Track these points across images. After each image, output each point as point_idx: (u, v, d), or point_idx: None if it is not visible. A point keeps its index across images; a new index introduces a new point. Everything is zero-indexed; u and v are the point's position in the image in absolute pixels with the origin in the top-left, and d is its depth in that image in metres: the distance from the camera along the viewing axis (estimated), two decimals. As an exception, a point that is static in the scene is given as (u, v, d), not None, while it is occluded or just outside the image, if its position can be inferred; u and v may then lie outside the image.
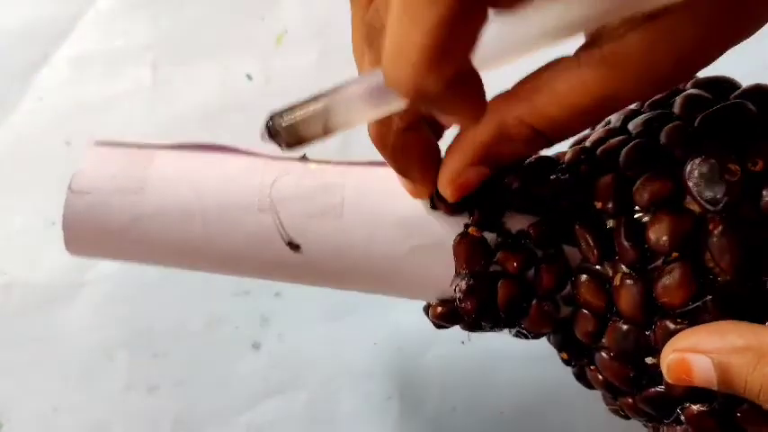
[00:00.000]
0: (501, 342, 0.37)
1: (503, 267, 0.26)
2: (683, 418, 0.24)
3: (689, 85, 0.27)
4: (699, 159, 0.23)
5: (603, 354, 0.25)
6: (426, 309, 0.28)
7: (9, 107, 0.39)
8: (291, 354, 0.37)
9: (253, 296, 0.38)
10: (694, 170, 0.23)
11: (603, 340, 0.25)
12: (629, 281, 0.24)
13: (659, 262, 0.24)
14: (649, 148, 0.25)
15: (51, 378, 0.37)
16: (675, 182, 0.24)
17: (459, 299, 0.26)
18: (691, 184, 0.23)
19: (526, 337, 0.27)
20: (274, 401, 0.37)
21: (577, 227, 0.25)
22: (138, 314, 0.38)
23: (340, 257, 0.27)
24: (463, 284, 0.26)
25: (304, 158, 0.28)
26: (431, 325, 0.38)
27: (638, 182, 0.24)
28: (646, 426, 0.27)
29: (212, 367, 0.37)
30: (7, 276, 0.38)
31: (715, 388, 0.22)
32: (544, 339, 0.28)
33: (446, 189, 0.25)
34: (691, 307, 0.23)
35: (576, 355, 0.27)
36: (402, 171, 0.25)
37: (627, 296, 0.24)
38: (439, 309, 0.27)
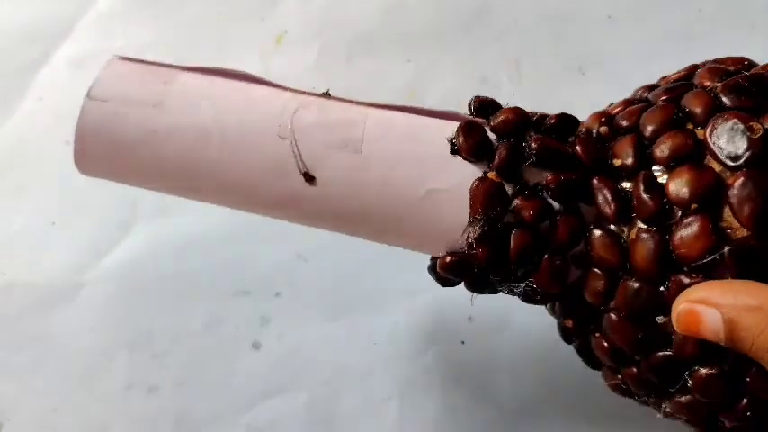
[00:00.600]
0: (501, 342, 0.37)
1: (518, 215, 0.25)
2: (690, 383, 0.24)
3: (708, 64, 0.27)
4: (721, 118, 0.23)
5: (612, 315, 0.25)
6: (433, 265, 0.28)
7: (9, 107, 0.39)
8: (291, 354, 0.37)
9: (253, 296, 0.38)
10: (716, 127, 0.23)
11: (613, 302, 0.25)
12: (645, 234, 0.24)
13: (677, 217, 0.23)
14: (670, 110, 0.25)
15: (51, 378, 0.37)
16: (696, 141, 0.24)
17: (471, 245, 0.25)
18: (712, 140, 0.23)
19: (533, 299, 0.26)
20: (274, 401, 0.37)
21: (596, 181, 0.25)
22: (138, 314, 0.38)
23: (354, 196, 0.26)
24: (477, 231, 0.25)
25: (327, 95, 0.27)
26: (431, 325, 0.38)
27: (659, 139, 0.24)
28: (646, 403, 0.27)
29: (212, 367, 0.37)
30: (7, 276, 0.38)
31: (722, 343, 0.22)
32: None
33: None
34: (707, 260, 0.23)
35: (582, 321, 0.26)
36: None
37: (642, 249, 0.24)
38: (448, 258, 0.26)
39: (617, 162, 0.25)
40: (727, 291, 0.23)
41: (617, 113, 0.26)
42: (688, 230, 0.23)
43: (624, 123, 0.26)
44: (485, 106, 0.27)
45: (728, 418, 0.24)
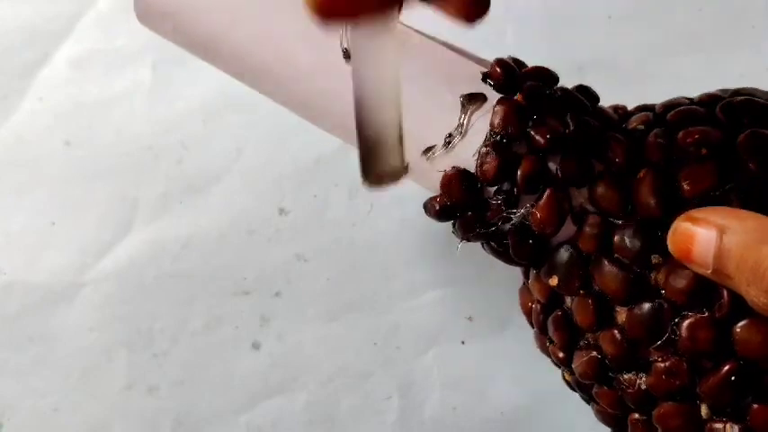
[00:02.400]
0: (501, 342, 0.37)
1: (533, 141, 0.25)
2: (678, 332, 0.24)
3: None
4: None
5: (606, 261, 0.25)
6: (428, 202, 0.28)
7: (9, 107, 0.39)
8: (291, 354, 0.37)
9: (253, 296, 0.38)
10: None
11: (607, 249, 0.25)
12: (652, 173, 0.24)
13: (686, 158, 0.24)
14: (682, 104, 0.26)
15: (51, 378, 0.37)
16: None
17: (483, 158, 0.25)
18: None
19: (525, 236, 0.26)
20: (274, 401, 0.37)
21: (609, 133, 0.26)
22: (138, 314, 0.38)
23: (388, 77, 0.25)
24: (489, 147, 0.25)
25: None
26: (431, 325, 0.38)
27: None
28: (618, 386, 0.26)
29: (212, 367, 0.37)
30: (7, 276, 0.38)
31: (708, 271, 0.23)
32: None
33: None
34: (712, 195, 0.24)
35: (570, 276, 0.26)
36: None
37: (647, 185, 0.24)
38: (453, 170, 0.26)
39: (632, 125, 0.26)
40: (731, 215, 0.23)
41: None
42: (695, 166, 0.24)
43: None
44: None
45: (709, 386, 0.24)
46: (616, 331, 0.25)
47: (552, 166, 0.25)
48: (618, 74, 0.39)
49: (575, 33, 0.40)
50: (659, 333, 0.24)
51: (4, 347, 0.37)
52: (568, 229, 0.26)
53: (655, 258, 0.24)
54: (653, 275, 0.24)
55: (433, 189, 0.27)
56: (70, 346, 0.37)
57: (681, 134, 0.25)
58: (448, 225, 0.33)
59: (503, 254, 0.27)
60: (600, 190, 0.25)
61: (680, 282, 0.24)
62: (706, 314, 0.24)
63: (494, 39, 0.41)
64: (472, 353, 0.37)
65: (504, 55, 0.28)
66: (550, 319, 0.27)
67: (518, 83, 0.27)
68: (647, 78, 0.38)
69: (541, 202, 0.25)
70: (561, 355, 0.27)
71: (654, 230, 0.24)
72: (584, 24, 0.40)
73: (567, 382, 0.28)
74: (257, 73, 0.29)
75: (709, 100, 0.27)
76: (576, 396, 0.29)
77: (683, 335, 0.24)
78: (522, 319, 0.30)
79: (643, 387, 0.25)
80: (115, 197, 0.39)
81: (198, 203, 0.38)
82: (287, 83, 0.28)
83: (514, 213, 0.26)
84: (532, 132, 0.26)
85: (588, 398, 0.28)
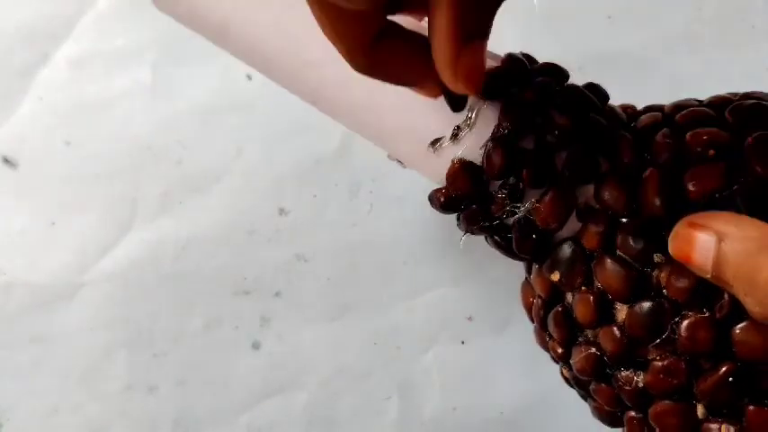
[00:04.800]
0: (501, 342, 0.37)
1: (540, 136, 0.26)
2: (677, 331, 0.24)
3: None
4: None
5: (608, 259, 0.25)
6: (433, 193, 0.28)
7: (9, 107, 0.39)
8: (291, 354, 0.37)
9: (253, 296, 0.38)
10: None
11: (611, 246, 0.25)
12: (658, 173, 0.25)
13: (693, 159, 0.24)
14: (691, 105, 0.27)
15: (51, 378, 0.37)
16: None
17: (489, 150, 0.26)
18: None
19: (529, 231, 0.26)
20: (274, 401, 0.37)
21: (617, 132, 0.26)
22: (138, 314, 0.38)
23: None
24: (496, 141, 0.26)
25: None
26: (431, 325, 0.38)
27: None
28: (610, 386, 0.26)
29: (212, 367, 0.37)
30: (7, 276, 0.38)
31: (708, 274, 0.23)
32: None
33: (456, 84, 0.22)
34: (717, 197, 0.24)
35: (572, 272, 0.26)
36: (401, 82, 0.24)
37: (653, 185, 0.24)
38: (459, 163, 0.26)
39: (640, 124, 0.26)
40: (731, 221, 0.23)
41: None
42: (702, 167, 0.24)
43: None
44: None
45: (707, 386, 0.24)
46: (615, 328, 0.25)
47: (559, 162, 0.26)
48: (618, 74, 0.39)
49: (575, 33, 0.40)
50: (659, 332, 0.24)
51: (4, 347, 0.37)
52: (572, 225, 0.26)
53: (657, 257, 0.24)
54: (655, 274, 0.25)
55: (438, 181, 0.27)
56: (70, 346, 0.37)
57: (689, 135, 0.25)
58: (448, 226, 0.33)
59: (506, 248, 0.27)
60: (606, 188, 0.25)
61: (682, 281, 0.24)
62: (706, 314, 0.24)
63: (494, 38, 0.41)
64: (472, 353, 0.37)
65: (503, 54, 0.28)
66: (551, 314, 0.27)
67: (528, 78, 0.27)
68: (647, 78, 0.38)
69: (546, 197, 0.25)
70: (560, 350, 0.27)
71: (657, 230, 0.24)
72: (584, 24, 0.40)
73: (566, 378, 0.28)
74: (268, 59, 0.29)
75: (719, 102, 0.27)
76: (576, 396, 0.29)
77: (683, 334, 0.24)
78: (523, 319, 0.30)
79: (640, 385, 0.25)
80: (115, 197, 0.39)
81: (198, 203, 0.38)
82: (298, 70, 0.28)
83: (519, 207, 0.26)
84: (540, 128, 0.26)
85: (585, 394, 0.28)
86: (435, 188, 0.27)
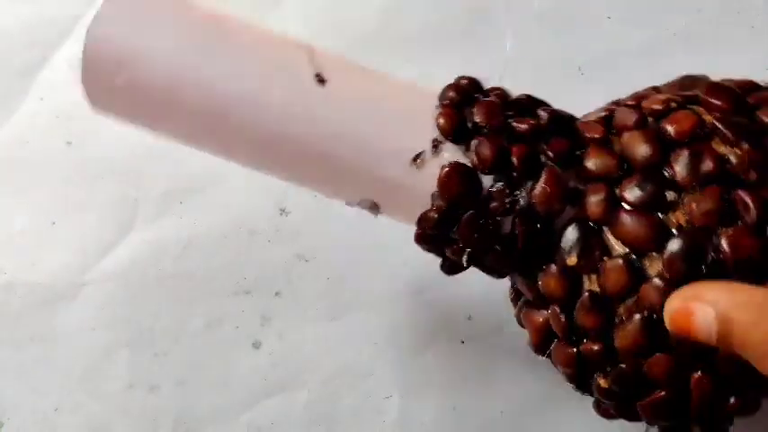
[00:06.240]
0: (501, 342, 0.37)
1: (516, 129, 0.26)
2: (721, 249, 0.24)
3: None
4: None
5: (623, 215, 0.25)
6: (421, 218, 0.27)
7: (10, 107, 0.39)
8: (291, 353, 0.37)
9: (253, 296, 0.38)
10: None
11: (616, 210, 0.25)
12: (639, 128, 0.26)
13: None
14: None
15: (52, 378, 0.37)
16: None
17: (476, 147, 0.26)
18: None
19: (533, 221, 0.26)
20: (274, 401, 0.37)
21: (579, 121, 0.27)
22: (138, 314, 0.38)
23: (362, 98, 0.27)
24: (481, 138, 0.26)
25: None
26: (431, 325, 0.38)
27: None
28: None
29: (213, 367, 0.37)
30: (8, 276, 0.38)
31: (713, 343, 0.22)
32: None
33: None
34: (699, 133, 0.25)
35: (588, 248, 0.26)
36: None
37: (638, 137, 0.25)
38: (449, 168, 0.26)
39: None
40: (721, 288, 0.23)
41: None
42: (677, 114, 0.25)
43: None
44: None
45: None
46: (656, 279, 0.24)
47: (542, 152, 0.26)
48: (618, 74, 0.39)
49: (575, 33, 0.40)
50: (700, 260, 0.24)
51: (5, 347, 0.37)
52: (567, 212, 0.26)
53: (670, 195, 0.25)
54: (670, 217, 0.25)
55: (420, 205, 0.27)
56: (71, 346, 0.37)
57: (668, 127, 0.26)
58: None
59: (507, 256, 0.27)
60: (593, 157, 0.26)
61: (706, 204, 0.24)
62: (740, 225, 0.24)
63: (494, 39, 0.41)
64: (472, 353, 0.37)
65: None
66: (578, 306, 0.26)
67: (485, 92, 0.28)
68: (647, 78, 0.38)
69: (543, 178, 0.26)
70: (596, 347, 0.26)
71: (658, 173, 0.25)
72: (584, 24, 0.40)
73: (606, 392, 0.26)
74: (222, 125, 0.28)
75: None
76: (576, 396, 0.29)
77: (727, 249, 0.24)
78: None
79: None
80: (116, 197, 0.39)
81: (198, 203, 0.38)
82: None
83: (519, 194, 0.26)
84: (514, 123, 0.26)
85: (637, 393, 0.26)
86: (423, 211, 0.27)
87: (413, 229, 0.28)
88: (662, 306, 0.24)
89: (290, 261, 0.38)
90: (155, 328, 0.37)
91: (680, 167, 0.25)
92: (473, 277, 0.37)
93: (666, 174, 0.25)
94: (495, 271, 0.28)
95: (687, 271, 0.24)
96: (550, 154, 0.26)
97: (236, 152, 0.29)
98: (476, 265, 0.28)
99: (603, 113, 0.28)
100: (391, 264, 0.38)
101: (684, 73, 0.30)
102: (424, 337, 0.37)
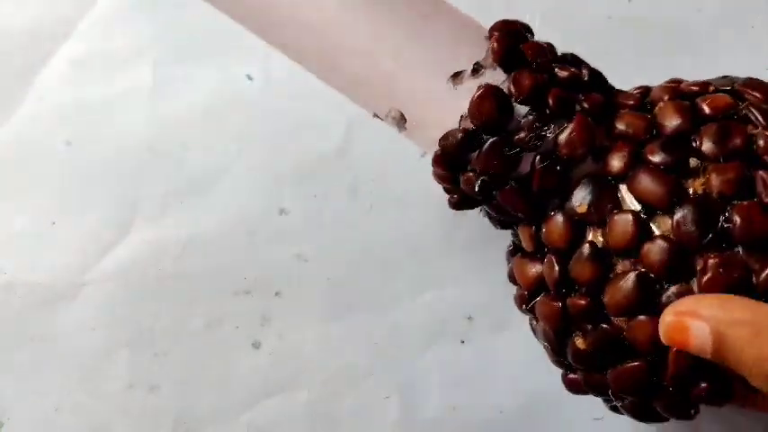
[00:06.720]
0: (501, 342, 0.37)
1: (557, 75, 0.27)
2: (732, 220, 0.24)
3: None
4: None
5: (643, 171, 0.25)
6: (450, 132, 0.27)
7: (10, 107, 0.39)
8: (291, 353, 0.37)
9: (253, 296, 0.38)
10: None
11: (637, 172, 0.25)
12: (673, 100, 0.26)
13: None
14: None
15: (52, 378, 0.37)
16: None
17: (516, 76, 0.26)
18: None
19: (553, 163, 0.26)
20: (274, 401, 0.37)
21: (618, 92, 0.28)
22: (138, 314, 0.38)
23: None
24: (523, 69, 0.26)
25: None
26: (431, 325, 0.38)
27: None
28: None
29: (213, 367, 0.37)
30: (8, 276, 0.38)
31: (708, 356, 0.23)
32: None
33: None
34: (732, 114, 0.25)
35: (601, 198, 0.26)
36: None
37: (670, 107, 0.26)
38: (485, 89, 0.26)
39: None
40: (716, 303, 0.23)
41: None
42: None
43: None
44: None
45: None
46: (661, 240, 0.24)
47: (578, 101, 0.26)
48: (618, 74, 0.39)
49: (575, 33, 0.40)
50: (709, 228, 0.24)
51: (5, 347, 0.37)
52: (588, 165, 0.26)
53: (693, 162, 0.25)
54: (690, 183, 0.25)
55: (448, 124, 0.27)
56: (71, 346, 0.37)
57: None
58: (448, 226, 0.33)
59: (519, 195, 0.26)
60: (623, 120, 0.26)
61: (728, 173, 0.24)
62: (755, 201, 0.24)
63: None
64: (472, 353, 0.37)
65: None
66: (576, 255, 0.26)
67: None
68: (646, 78, 0.38)
69: (574, 122, 0.26)
70: (583, 301, 0.25)
71: (686, 142, 0.25)
72: (584, 24, 0.40)
73: (581, 354, 0.26)
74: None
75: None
76: (576, 396, 0.29)
77: (738, 221, 0.24)
78: (523, 319, 0.30)
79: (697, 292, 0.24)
80: (116, 197, 0.39)
81: (198, 203, 0.38)
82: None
83: (546, 131, 0.26)
84: (557, 69, 0.27)
85: (612, 359, 0.26)
86: (450, 129, 0.27)
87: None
88: (660, 266, 0.24)
89: (290, 261, 0.38)
90: (155, 328, 0.37)
91: (707, 138, 0.25)
92: (473, 277, 0.37)
93: (693, 143, 0.25)
94: (500, 212, 0.28)
95: (694, 235, 0.24)
96: (585, 105, 0.26)
97: (277, 39, 0.29)
98: (484, 200, 0.27)
99: (639, 90, 0.28)
100: (391, 264, 0.38)
101: (685, 73, 0.30)
102: (424, 337, 0.37)
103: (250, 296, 0.38)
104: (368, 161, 0.38)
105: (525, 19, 0.35)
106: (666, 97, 0.27)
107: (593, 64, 0.29)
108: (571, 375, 0.28)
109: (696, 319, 0.23)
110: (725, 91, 0.27)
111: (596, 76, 0.28)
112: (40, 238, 0.38)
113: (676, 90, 0.27)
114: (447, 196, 0.29)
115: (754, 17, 0.39)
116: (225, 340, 0.37)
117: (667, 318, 0.23)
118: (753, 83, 0.27)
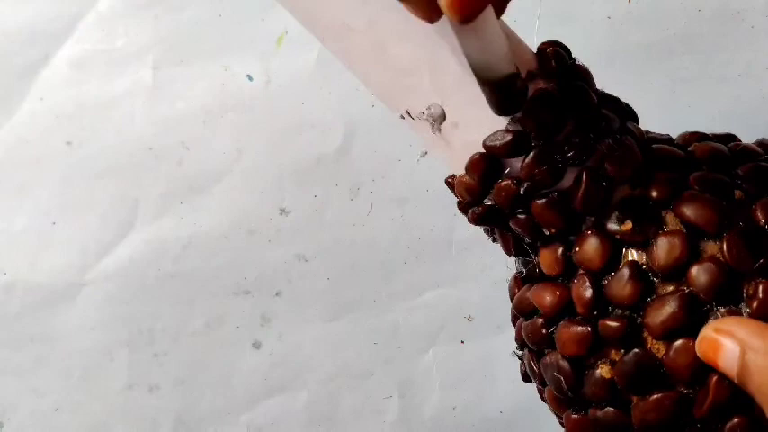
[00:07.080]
0: (501, 342, 0.37)
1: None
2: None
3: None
4: None
5: (693, 193, 0.25)
6: (505, 128, 0.26)
7: (10, 108, 0.39)
8: (291, 353, 0.37)
9: (253, 296, 0.38)
10: None
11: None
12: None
13: None
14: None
15: (52, 378, 0.37)
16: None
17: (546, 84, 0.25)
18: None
19: (599, 179, 0.25)
20: (275, 401, 0.37)
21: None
22: (138, 314, 0.38)
23: None
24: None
25: None
26: (431, 325, 0.38)
27: None
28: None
29: (213, 367, 0.37)
30: (8, 276, 0.38)
31: (734, 379, 0.22)
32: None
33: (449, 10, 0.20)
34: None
35: (645, 219, 0.25)
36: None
37: (705, 147, 0.26)
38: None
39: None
40: (754, 329, 0.22)
41: None
42: None
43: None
44: None
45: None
46: (711, 262, 0.24)
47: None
48: (618, 74, 0.39)
49: (575, 33, 0.40)
50: (762, 252, 0.24)
51: (5, 347, 0.37)
52: (630, 187, 0.25)
53: (737, 193, 0.25)
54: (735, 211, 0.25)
55: (493, 126, 0.26)
56: (71, 346, 0.37)
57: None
58: (448, 226, 0.33)
59: (557, 208, 0.25)
60: (662, 152, 0.26)
61: None
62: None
63: (494, 39, 0.41)
64: (472, 353, 0.37)
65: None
66: (617, 274, 0.25)
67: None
68: (647, 78, 0.38)
69: (623, 142, 0.25)
70: (617, 324, 0.24)
71: (729, 167, 0.26)
72: (584, 24, 0.40)
73: (602, 384, 0.25)
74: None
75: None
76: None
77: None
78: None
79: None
80: (116, 197, 0.39)
81: (198, 204, 0.38)
82: None
83: (599, 146, 0.25)
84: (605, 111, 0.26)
85: (638, 389, 0.25)
86: (497, 131, 0.25)
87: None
88: (709, 288, 0.24)
89: (290, 261, 0.38)
90: (154, 327, 0.37)
91: (747, 178, 0.26)
92: (473, 277, 0.37)
93: (738, 172, 0.26)
94: (526, 228, 0.26)
95: (746, 258, 0.24)
96: (632, 128, 0.26)
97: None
98: (511, 213, 0.26)
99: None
100: (391, 264, 0.38)
101: (684, 73, 0.30)
102: (424, 337, 0.37)
103: (250, 296, 0.38)
104: (368, 161, 0.38)
105: (525, 19, 0.35)
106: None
107: (594, 64, 0.29)
108: (575, 416, 0.26)
109: (731, 339, 0.22)
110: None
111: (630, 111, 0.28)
112: (41, 238, 0.38)
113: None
114: (456, 200, 0.28)
115: (754, 17, 0.39)
116: (225, 340, 0.37)
117: (707, 332, 0.23)
118: None
